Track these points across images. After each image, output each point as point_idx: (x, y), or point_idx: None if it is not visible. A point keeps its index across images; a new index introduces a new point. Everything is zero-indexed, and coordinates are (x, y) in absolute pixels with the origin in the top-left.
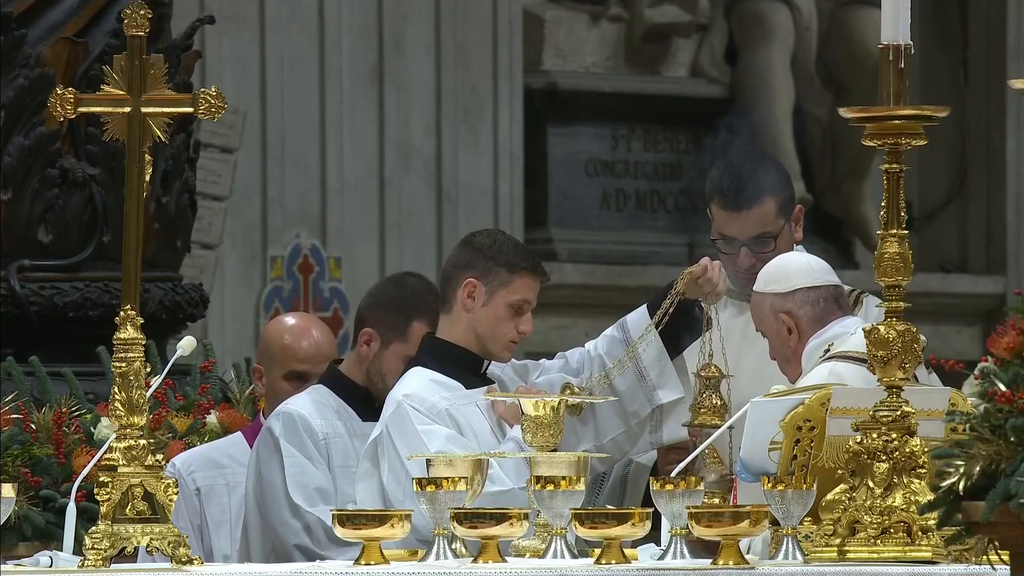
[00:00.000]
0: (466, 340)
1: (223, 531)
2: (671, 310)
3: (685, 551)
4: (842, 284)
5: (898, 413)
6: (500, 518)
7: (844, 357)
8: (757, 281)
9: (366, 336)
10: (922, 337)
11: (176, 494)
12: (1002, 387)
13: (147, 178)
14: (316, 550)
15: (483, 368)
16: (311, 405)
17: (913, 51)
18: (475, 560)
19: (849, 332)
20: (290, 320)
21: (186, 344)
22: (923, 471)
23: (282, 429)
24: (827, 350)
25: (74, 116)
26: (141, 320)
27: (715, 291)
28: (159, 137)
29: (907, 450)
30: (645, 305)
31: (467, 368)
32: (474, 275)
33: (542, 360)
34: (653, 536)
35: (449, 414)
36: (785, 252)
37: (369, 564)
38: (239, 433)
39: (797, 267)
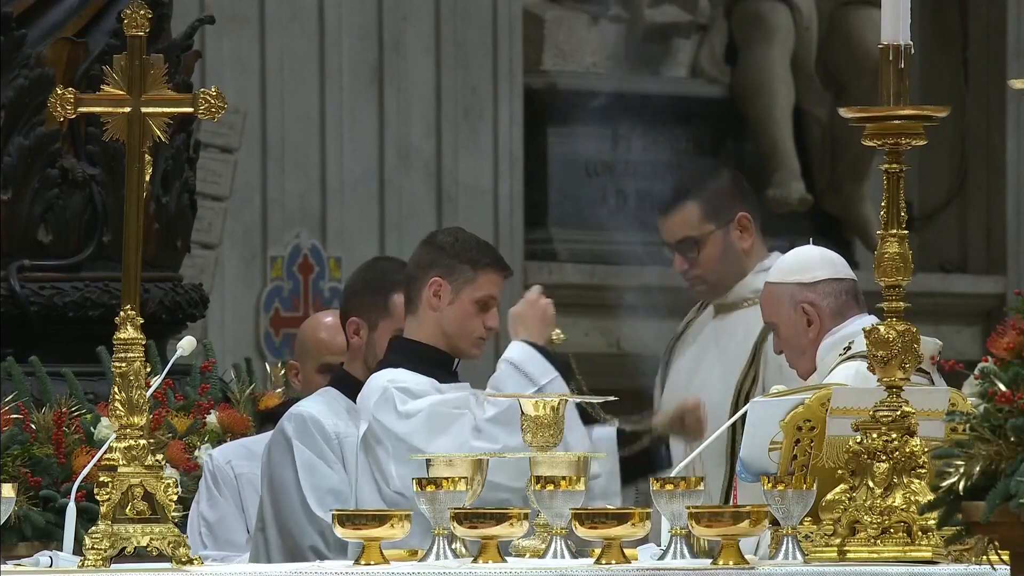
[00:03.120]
0: (434, 339)
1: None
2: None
3: (685, 551)
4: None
5: (898, 413)
6: (500, 518)
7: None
8: (771, 272)
9: (353, 326)
10: (938, 341)
11: (176, 494)
12: (1002, 387)
13: (147, 178)
14: (327, 554)
15: (454, 366)
16: (322, 406)
17: (913, 51)
18: (475, 560)
19: None
20: (326, 317)
21: (186, 344)
22: (923, 471)
23: (294, 431)
24: (847, 348)
25: (74, 116)
26: (141, 320)
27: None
28: (159, 137)
29: (907, 450)
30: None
31: (438, 367)
32: (439, 274)
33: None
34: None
35: (434, 386)
36: (719, 263)
37: (369, 564)
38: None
39: (820, 258)
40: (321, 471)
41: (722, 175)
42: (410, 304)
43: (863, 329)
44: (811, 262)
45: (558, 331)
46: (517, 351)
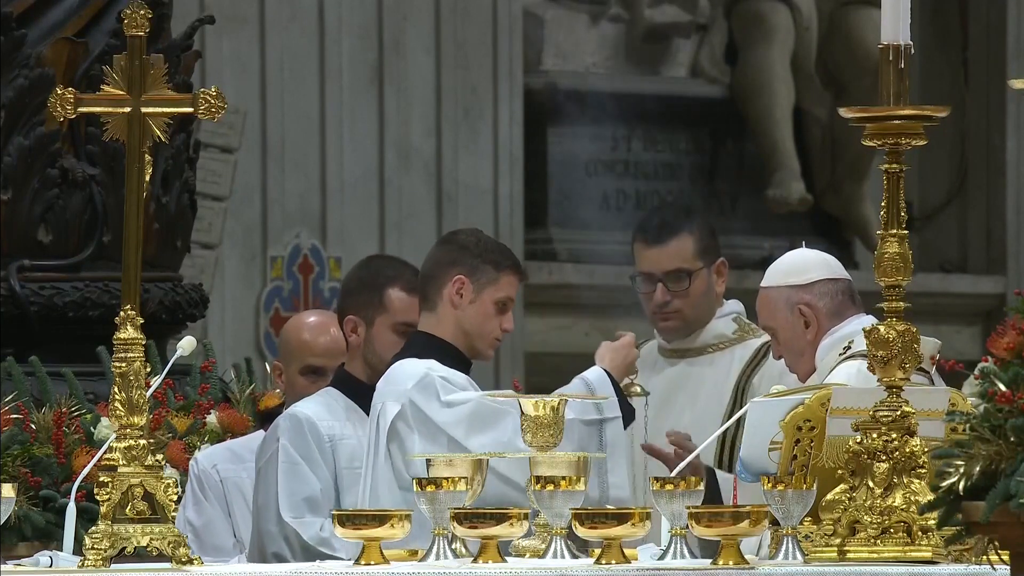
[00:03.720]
0: (453, 337)
1: (247, 521)
2: None
3: (685, 551)
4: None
5: (898, 413)
6: (500, 518)
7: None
8: (767, 276)
9: (350, 324)
10: (937, 341)
11: (176, 494)
12: (1002, 387)
13: (147, 178)
14: (291, 561)
15: (469, 368)
16: (320, 407)
17: (913, 51)
18: (475, 560)
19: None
20: (309, 317)
21: (186, 344)
22: (923, 471)
23: (285, 432)
24: (847, 347)
25: (74, 116)
26: (141, 320)
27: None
28: (159, 137)
29: (907, 450)
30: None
31: (458, 365)
32: (462, 272)
33: None
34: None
35: (470, 383)
36: (702, 300)
37: (369, 564)
38: (261, 431)
39: (814, 259)
40: (302, 476)
41: (706, 221)
42: (427, 302)
43: (863, 329)
44: (805, 264)
45: (639, 386)
46: (596, 375)
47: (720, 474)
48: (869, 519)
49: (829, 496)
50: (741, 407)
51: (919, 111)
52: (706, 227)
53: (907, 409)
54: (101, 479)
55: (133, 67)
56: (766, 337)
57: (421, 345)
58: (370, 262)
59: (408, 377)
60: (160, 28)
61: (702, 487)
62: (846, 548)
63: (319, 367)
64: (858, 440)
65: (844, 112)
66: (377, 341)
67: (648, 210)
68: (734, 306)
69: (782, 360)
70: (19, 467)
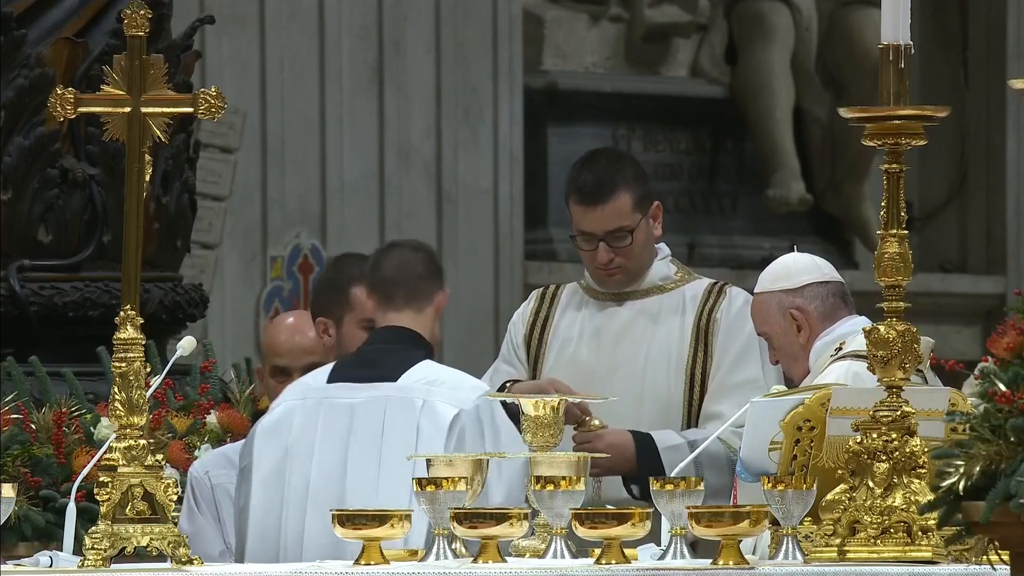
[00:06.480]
0: (431, 343)
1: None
2: None
3: (685, 551)
4: (844, 281)
5: (898, 413)
6: (500, 518)
7: (861, 356)
8: (759, 282)
9: (321, 326)
10: (930, 339)
11: (176, 494)
12: (1002, 387)
13: (147, 178)
14: None
15: None
16: None
17: (913, 51)
18: (475, 560)
19: (859, 331)
20: (287, 318)
21: (186, 344)
22: (923, 471)
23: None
24: (838, 348)
25: (74, 116)
26: (141, 320)
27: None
28: (159, 137)
29: (907, 450)
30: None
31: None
32: (444, 287)
33: None
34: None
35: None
36: (644, 247)
37: (369, 564)
38: None
39: (804, 264)
40: None
41: (634, 163)
42: (415, 301)
43: (863, 329)
44: (795, 268)
45: (598, 420)
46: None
47: (660, 436)
48: (869, 519)
49: (829, 496)
50: (706, 344)
51: (919, 111)
52: (638, 174)
53: (907, 409)
54: (101, 479)
55: (133, 67)
56: (709, 280)
57: (425, 346)
58: (336, 262)
59: (466, 386)
60: (160, 28)
61: (702, 487)
62: (846, 548)
63: (284, 367)
64: (858, 440)
65: (844, 112)
66: (348, 340)
67: (579, 161)
68: (665, 249)
69: (742, 297)
70: (19, 467)
